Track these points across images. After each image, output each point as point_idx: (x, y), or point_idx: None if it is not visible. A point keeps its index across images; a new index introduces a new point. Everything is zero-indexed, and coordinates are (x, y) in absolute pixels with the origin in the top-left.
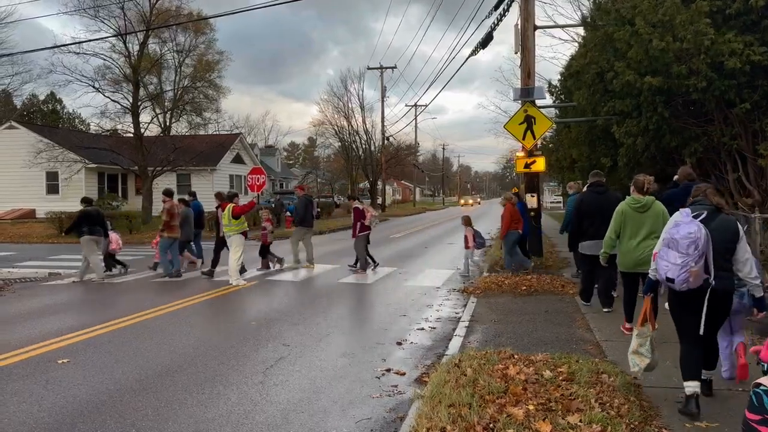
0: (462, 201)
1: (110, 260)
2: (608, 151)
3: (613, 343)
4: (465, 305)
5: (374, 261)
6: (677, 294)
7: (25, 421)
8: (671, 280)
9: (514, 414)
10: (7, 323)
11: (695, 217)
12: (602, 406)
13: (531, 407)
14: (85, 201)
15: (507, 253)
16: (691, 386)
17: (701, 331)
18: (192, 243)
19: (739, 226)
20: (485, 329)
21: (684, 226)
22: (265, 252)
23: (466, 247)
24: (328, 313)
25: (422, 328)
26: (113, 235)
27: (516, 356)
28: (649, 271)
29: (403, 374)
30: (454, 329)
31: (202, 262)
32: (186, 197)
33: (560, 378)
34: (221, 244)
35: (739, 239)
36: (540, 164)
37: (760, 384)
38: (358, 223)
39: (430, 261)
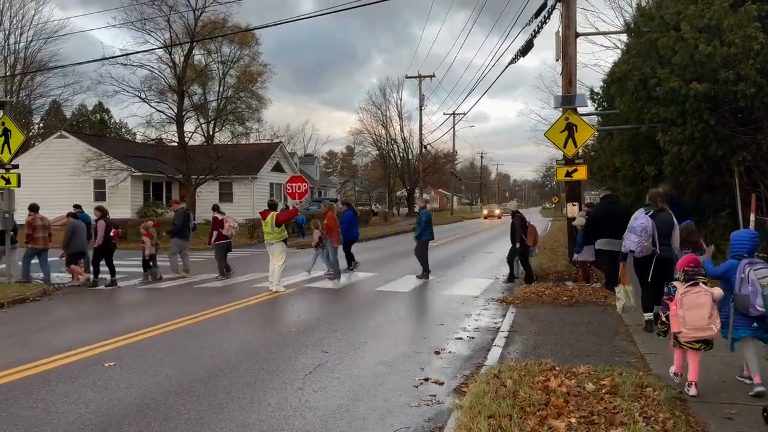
0: (486, 211)
1: None
2: (652, 160)
3: (657, 356)
4: (504, 315)
5: (229, 269)
6: (638, 260)
7: (74, 421)
8: (633, 252)
9: (556, 426)
10: (58, 326)
11: (646, 213)
12: (647, 420)
13: (573, 420)
14: None
15: (326, 258)
16: (648, 315)
17: (649, 279)
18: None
19: (674, 219)
20: (525, 340)
21: (638, 219)
22: (146, 265)
23: (316, 247)
24: (366, 321)
25: (460, 338)
26: None
27: (557, 368)
28: (621, 248)
29: (442, 384)
30: (493, 339)
31: (89, 271)
32: (73, 210)
33: (603, 391)
34: (100, 255)
35: (673, 227)
36: (582, 173)
37: (671, 284)
38: (215, 232)
39: (468, 270)
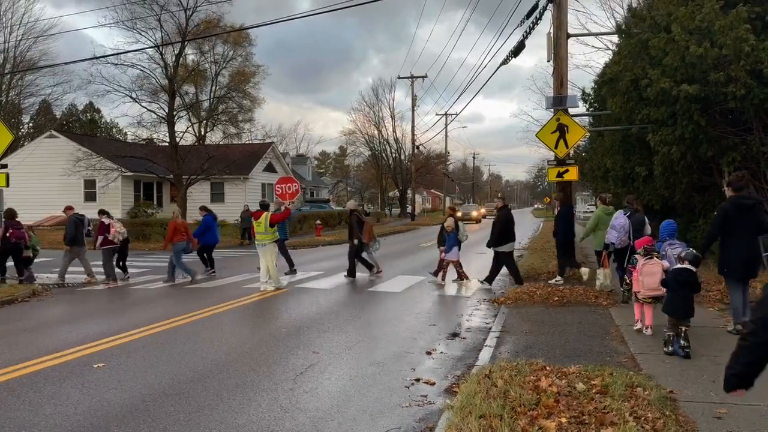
0: (459, 213)
1: None
2: (643, 161)
3: (647, 356)
4: (495, 315)
5: (126, 272)
6: (617, 249)
7: (62, 423)
8: (614, 244)
9: (547, 426)
10: (46, 327)
11: (625, 214)
12: (637, 420)
13: (563, 420)
14: None
15: (176, 261)
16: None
17: (624, 264)
18: None
19: (645, 218)
20: (516, 340)
21: (618, 219)
22: (25, 263)
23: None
24: (358, 322)
25: (452, 338)
26: None
27: (548, 368)
28: (605, 240)
29: (433, 384)
30: (484, 339)
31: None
32: None
33: (594, 391)
34: (6, 254)
35: (645, 224)
36: (573, 173)
37: (633, 256)
38: (101, 237)
39: None
